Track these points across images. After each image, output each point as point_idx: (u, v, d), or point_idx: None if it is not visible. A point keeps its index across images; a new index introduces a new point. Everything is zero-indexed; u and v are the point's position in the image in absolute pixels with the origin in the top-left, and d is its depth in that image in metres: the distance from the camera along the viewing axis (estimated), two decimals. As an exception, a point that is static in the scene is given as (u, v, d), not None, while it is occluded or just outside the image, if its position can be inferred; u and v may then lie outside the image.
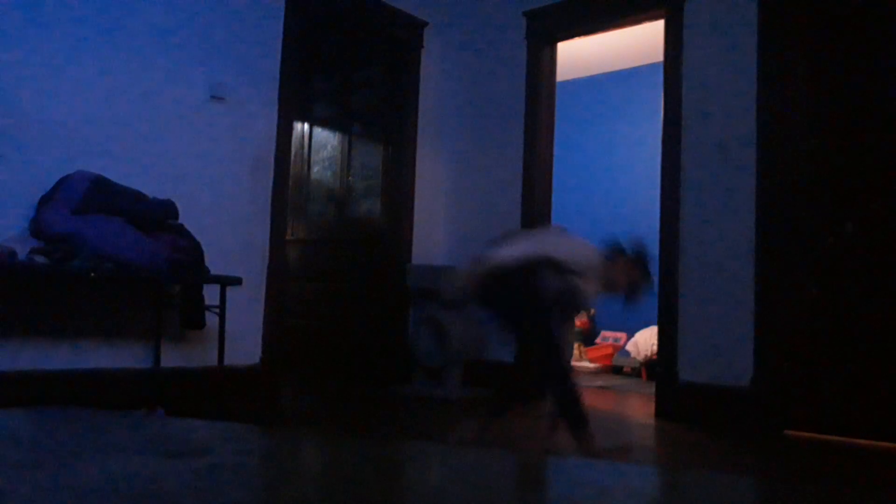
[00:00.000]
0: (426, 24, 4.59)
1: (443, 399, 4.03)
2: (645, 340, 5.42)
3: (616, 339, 6.14)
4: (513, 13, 4.47)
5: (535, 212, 4.34)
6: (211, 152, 3.42)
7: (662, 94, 3.85)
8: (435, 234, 4.67)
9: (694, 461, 2.81)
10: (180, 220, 3.04)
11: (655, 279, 2.88)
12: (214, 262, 3.12)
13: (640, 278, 2.67)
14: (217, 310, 3.05)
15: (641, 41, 5.39)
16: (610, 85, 6.76)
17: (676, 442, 3.20)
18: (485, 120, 4.63)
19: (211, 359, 3.13)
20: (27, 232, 2.73)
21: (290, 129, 3.90)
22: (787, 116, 3.43)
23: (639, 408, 4.10)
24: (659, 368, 3.77)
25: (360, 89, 4.97)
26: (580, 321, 6.28)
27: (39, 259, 2.61)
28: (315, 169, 5.13)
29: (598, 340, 6.27)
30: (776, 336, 3.35)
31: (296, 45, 3.81)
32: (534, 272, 2.53)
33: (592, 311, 6.31)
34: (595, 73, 6.71)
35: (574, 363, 5.98)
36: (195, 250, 3.01)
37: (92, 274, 2.67)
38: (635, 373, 5.63)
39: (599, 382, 5.19)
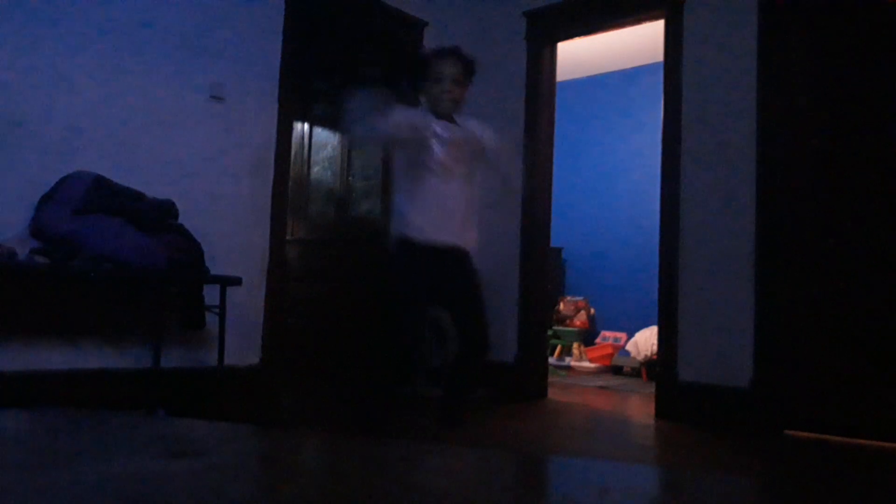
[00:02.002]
0: (426, 24, 4.59)
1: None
2: (645, 340, 5.42)
3: (616, 339, 6.14)
4: (513, 13, 4.47)
5: (535, 211, 4.34)
6: (211, 152, 3.42)
7: (662, 94, 3.85)
8: (435, 234, 4.65)
9: (694, 461, 2.81)
10: (180, 220, 3.04)
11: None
12: (214, 262, 3.12)
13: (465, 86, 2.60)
14: (217, 310, 3.05)
15: (641, 41, 5.40)
16: (610, 85, 6.76)
17: (676, 442, 3.20)
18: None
19: (211, 359, 3.13)
20: (27, 232, 2.73)
21: (290, 129, 3.89)
22: (787, 116, 3.43)
23: (639, 408, 4.10)
24: (659, 368, 3.77)
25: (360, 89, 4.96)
26: (580, 321, 6.28)
27: (39, 259, 2.61)
28: (315, 169, 5.12)
29: (598, 340, 6.27)
30: (776, 336, 3.35)
31: (296, 45, 3.80)
32: None
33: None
34: (595, 73, 6.71)
35: (574, 363, 5.99)
36: (195, 250, 3.01)
37: (92, 274, 2.67)
38: (635, 373, 5.63)
39: (599, 382, 5.19)
